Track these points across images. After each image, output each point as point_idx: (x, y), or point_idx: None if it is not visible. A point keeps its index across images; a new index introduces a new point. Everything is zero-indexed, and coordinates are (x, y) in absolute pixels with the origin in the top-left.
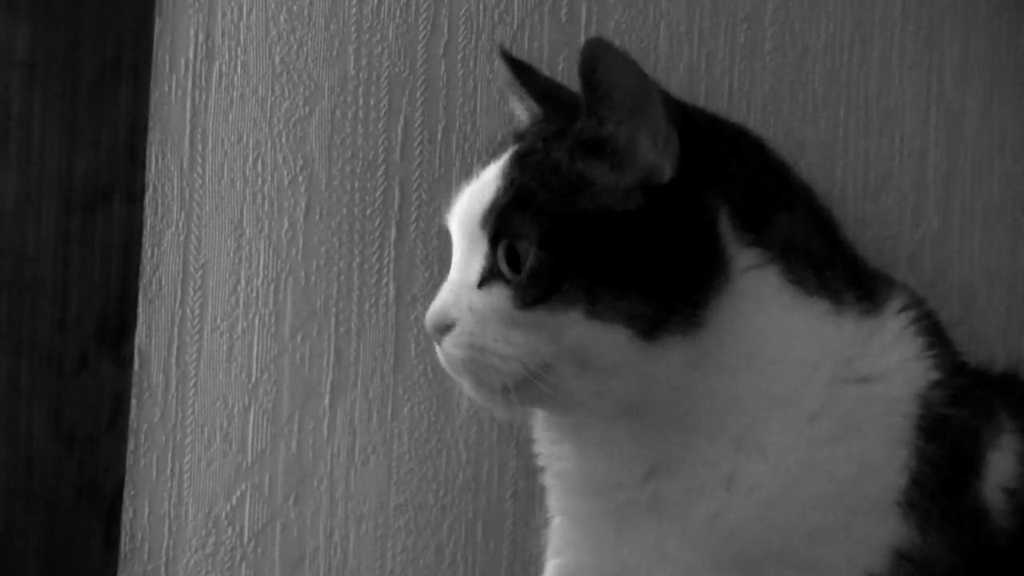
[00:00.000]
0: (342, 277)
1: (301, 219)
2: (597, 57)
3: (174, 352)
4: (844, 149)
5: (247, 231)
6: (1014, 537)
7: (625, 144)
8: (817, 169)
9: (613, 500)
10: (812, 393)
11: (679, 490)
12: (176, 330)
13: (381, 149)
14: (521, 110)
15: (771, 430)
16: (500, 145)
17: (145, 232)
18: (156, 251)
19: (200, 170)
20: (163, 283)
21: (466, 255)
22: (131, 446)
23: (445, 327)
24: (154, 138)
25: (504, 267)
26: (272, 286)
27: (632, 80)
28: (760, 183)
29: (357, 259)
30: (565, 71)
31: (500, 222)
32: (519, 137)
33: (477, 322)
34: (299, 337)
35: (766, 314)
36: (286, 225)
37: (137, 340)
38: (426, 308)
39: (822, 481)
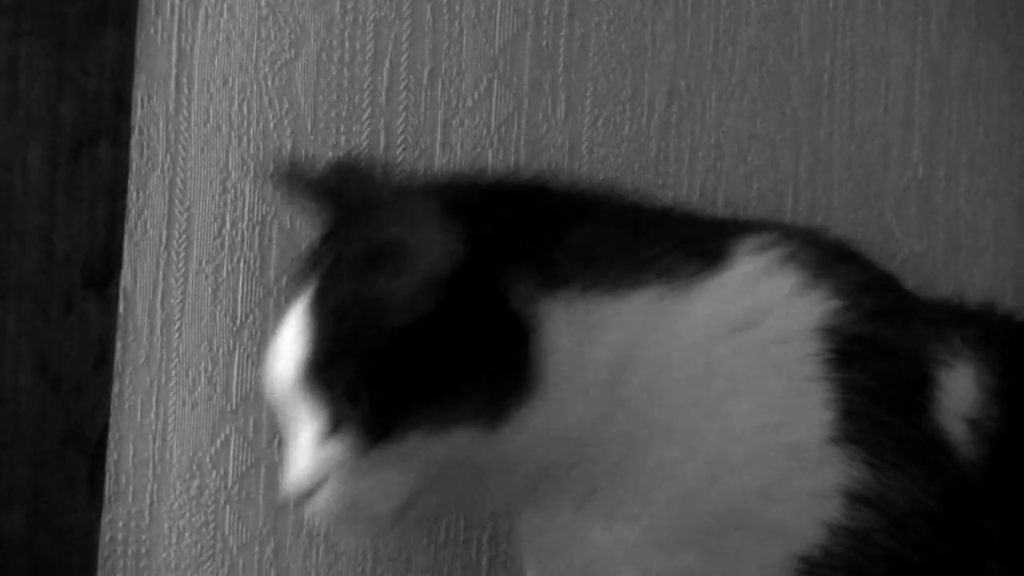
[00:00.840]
0: None
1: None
2: (343, 177)
3: (159, 295)
4: (829, 94)
5: (232, 174)
6: (983, 468)
7: (402, 247)
8: (802, 114)
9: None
10: (692, 364)
11: (622, 500)
12: (161, 273)
13: (367, 93)
14: (313, 218)
15: (675, 415)
16: (296, 280)
17: (131, 176)
18: (141, 194)
19: (186, 113)
20: (148, 226)
21: (301, 415)
22: (116, 389)
23: (309, 492)
24: (140, 82)
25: (341, 414)
26: (257, 229)
27: (386, 183)
28: (542, 225)
29: None
30: (550, 15)
31: (320, 375)
32: (312, 263)
33: (336, 477)
34: (284, 280)
35: (589, 334)
36: (272, 168)
37: (122, 283)
38: None
39: (742, 440)
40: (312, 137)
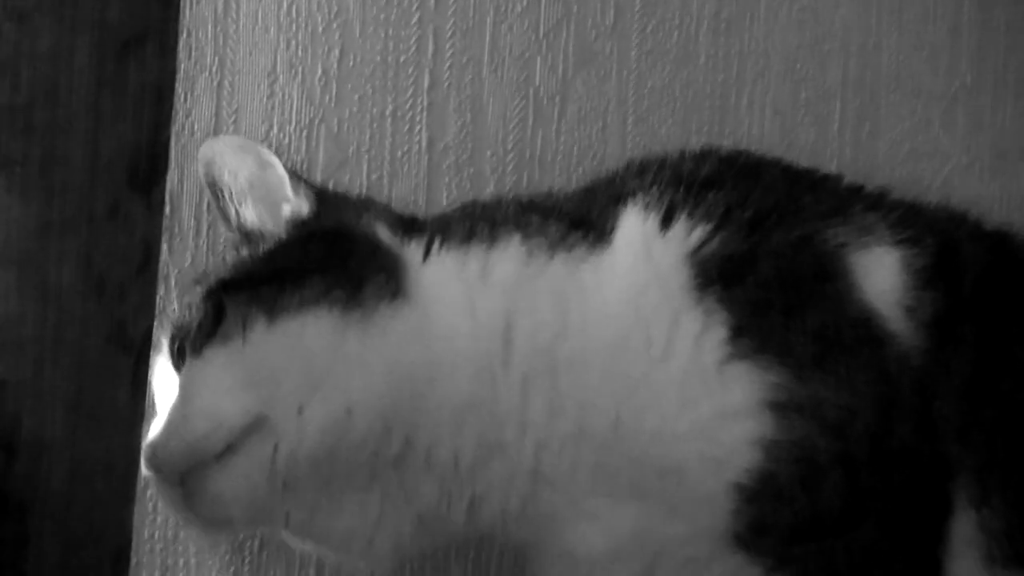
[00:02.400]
0: (375, 125)
1: (335, 66)
2: (210, 160)
3: (206, 198)
4: (878, 2)
5: (280, 77)
6: (929, 352)
7: (267, 224)
8: (850, 23)
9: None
10: (581, 329)
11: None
12: None
13: None
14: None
15: (569, 375)
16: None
17: (178, 78)
18: (189, 97)
19: (234, 16)
20: (195, 129)
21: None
22: (161, 292)
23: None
24: None
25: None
26: (304, 133)
27: (247, 164)
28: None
29: (390, 107)
30: None
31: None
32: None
33: (178, 391)
34: (331, 184)
35: (469, 279)
36: (319, 72)
37: (169, 186)
38: (459, 157)
39: (637, 388)
40: (360, 41)
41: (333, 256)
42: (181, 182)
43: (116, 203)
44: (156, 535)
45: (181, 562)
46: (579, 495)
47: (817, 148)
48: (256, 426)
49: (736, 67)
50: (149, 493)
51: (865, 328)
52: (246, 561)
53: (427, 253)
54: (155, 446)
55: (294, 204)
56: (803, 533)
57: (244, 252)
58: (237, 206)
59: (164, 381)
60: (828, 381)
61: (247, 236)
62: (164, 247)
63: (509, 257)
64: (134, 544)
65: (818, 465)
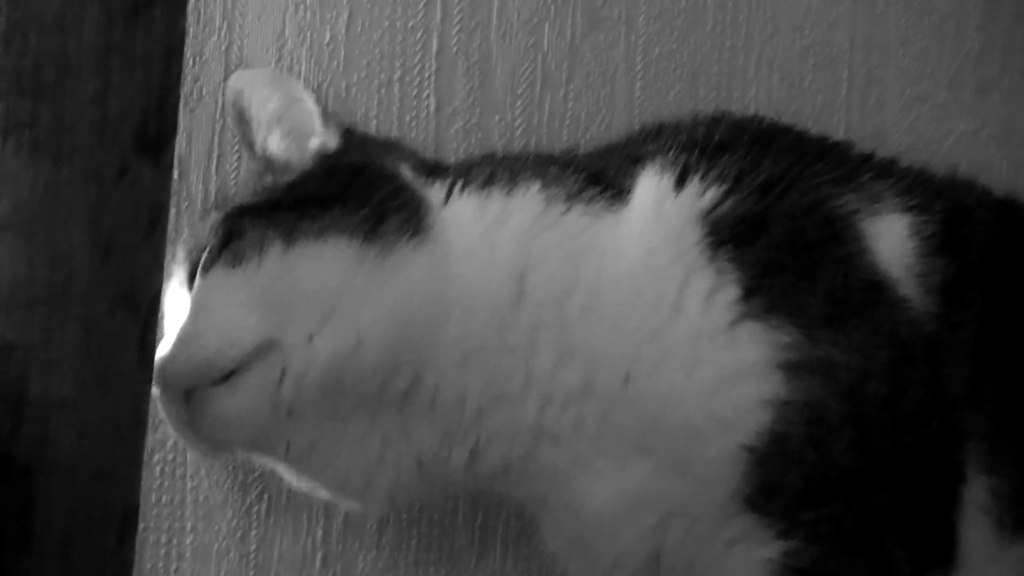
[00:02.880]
0: (383, 89)
1: (343, 30)
2: (240, 90)
3: (214, 162)
4: None
5: (289, 41)
6: (942, 316)
7: (293, 156)
8: None
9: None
10: (592, 283)
11: (557, 419)
12: (216, 140)
13: None
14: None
15: (578, 331)
16: None
17: (187, 41)
18: (198, 61)
19: None
20: (204, 93)
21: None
22: (169, 256)
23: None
24: None
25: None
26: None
27: (277, 95)
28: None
29: (398, 72)
30: None
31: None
32: None
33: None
34: None
35: (487, 222)
36: (328, 36)
37: (177, 150)
38: (467, 122)
39: (642, 347)
40: (369, 5)
41: (356, 189)
42: (190, 146)
43: (124, 166)
44: (164, 499)
45: (188, 526)
46: (584, 453)
47: (824, 114)
48: (266, 349)
49: (744, 33)
50: (156, 457)
51: (877, 292)
52: (253, 526)
53: (448, 195)
54: (163, 361)
55: (322, 137)
56: (814, 496)
57: (267, 180)
58: (265, 136)
59: (175, 305)
60: (840, 342)
61: (271, 166)
62: (172, 211)
63: (528, 204)
64: (141, 508)
65: (829, 427)
